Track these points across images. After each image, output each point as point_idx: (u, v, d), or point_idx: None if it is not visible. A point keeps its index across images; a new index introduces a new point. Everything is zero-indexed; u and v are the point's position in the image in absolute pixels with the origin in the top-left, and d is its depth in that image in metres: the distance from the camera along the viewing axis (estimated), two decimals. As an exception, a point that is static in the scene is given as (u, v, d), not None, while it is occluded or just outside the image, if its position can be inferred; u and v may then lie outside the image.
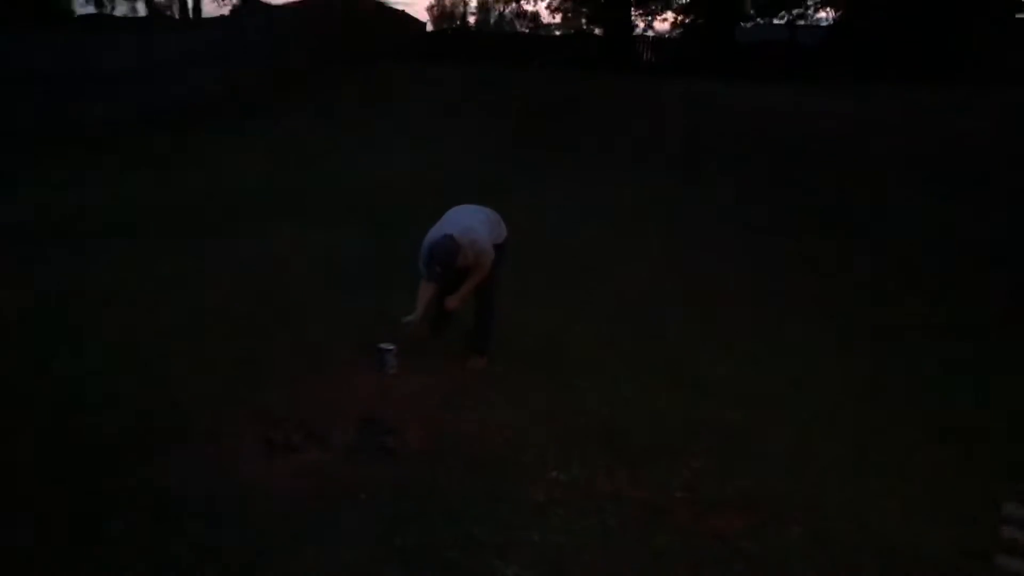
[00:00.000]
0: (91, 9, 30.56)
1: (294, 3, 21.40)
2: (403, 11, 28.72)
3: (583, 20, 30.32)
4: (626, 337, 5.66)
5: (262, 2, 28.79)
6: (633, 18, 26.46)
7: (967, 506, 3.69)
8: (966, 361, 5.45)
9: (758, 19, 26.83)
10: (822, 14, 27.06)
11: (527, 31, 31.23)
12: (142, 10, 29.48)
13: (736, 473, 3.88)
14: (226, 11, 28.74)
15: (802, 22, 26.71)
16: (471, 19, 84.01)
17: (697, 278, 7.13)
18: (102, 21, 26.54)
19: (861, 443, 4.26)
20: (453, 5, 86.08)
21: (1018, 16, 23.03)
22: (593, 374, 5.00)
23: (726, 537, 3.39)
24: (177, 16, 27.56)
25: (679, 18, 27.01)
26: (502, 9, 34.63)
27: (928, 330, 5.99)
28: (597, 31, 28.39)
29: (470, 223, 4.86)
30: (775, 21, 27.07)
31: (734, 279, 7.12)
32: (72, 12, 28.61)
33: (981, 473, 3.98)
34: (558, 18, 32.98)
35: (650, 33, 28.48)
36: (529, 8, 30.06)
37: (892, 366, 5.32)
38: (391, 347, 4.89)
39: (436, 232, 4.81)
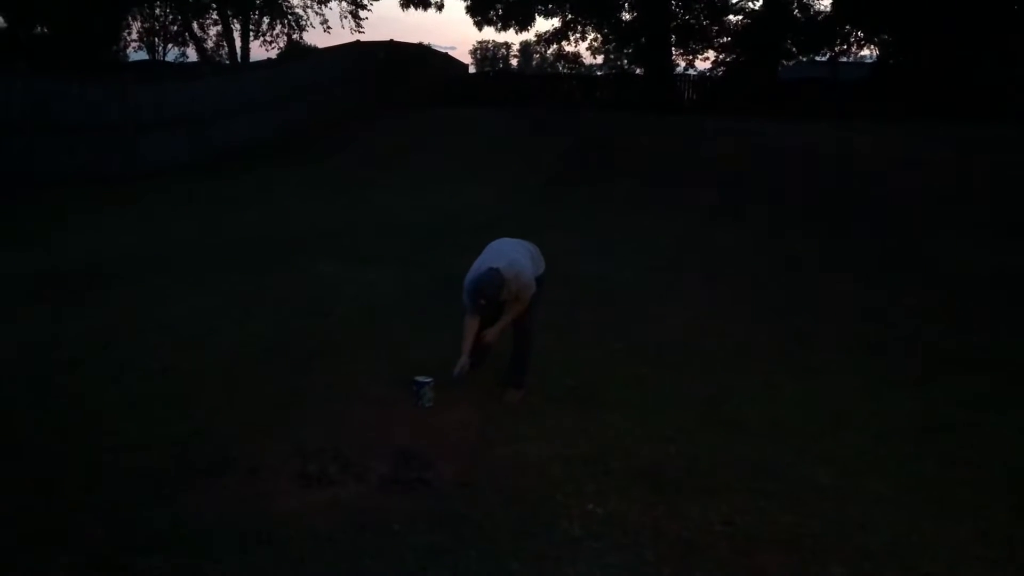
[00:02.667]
0: (143, 55, 31.55)
1: (340, 46, 21.89)
2: (447, 53, 29.19)
3: (624, 60, 30.47)
4: (664, 374, 5.59)
5: (308, 45, 29.57)
6: (674, 57, 26.58)
7: (1022, 550, 3.56)
8: (1018, 400, 5.29)
9: (800, 57, 26.76)
10: (865, 51, 26.94)
11: (569, 72, 31.49)
12: (192, 55, 30.28)
13: (776, 510, 3.79)
14: (273, 54, 29.49)
15: (845, 59, 26.58)
16: (513, 61, 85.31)
17: (737, 316, 7.05)
18: (153, 67, 27.39)
19: (907, 482, 4.13)
20: (495, 47, 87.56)
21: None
22: (630, 410, 4.94)
23: (766, 574, 3.30)
24: (227, 61, 28.31)
25: (720, 56, 27.04)
26: (544, 51, 35.01)
27: (975, 370, 5.83)
28: (639, 71, 28.55)
29: (514, 256, 4.86)
30: (817, 59, 26.99)
31: (774, 317, 7.02)
32: (125, 58, 29.59)
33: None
34: (599, 59, 33.20)
35: (691, 72, 28.52)
36: (570, 49, 30.17)
37: (938, 405, 5.17)
38: (427, 380, 4.90)
39: (480, 265, 4.82)
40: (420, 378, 4.92)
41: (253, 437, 4.45)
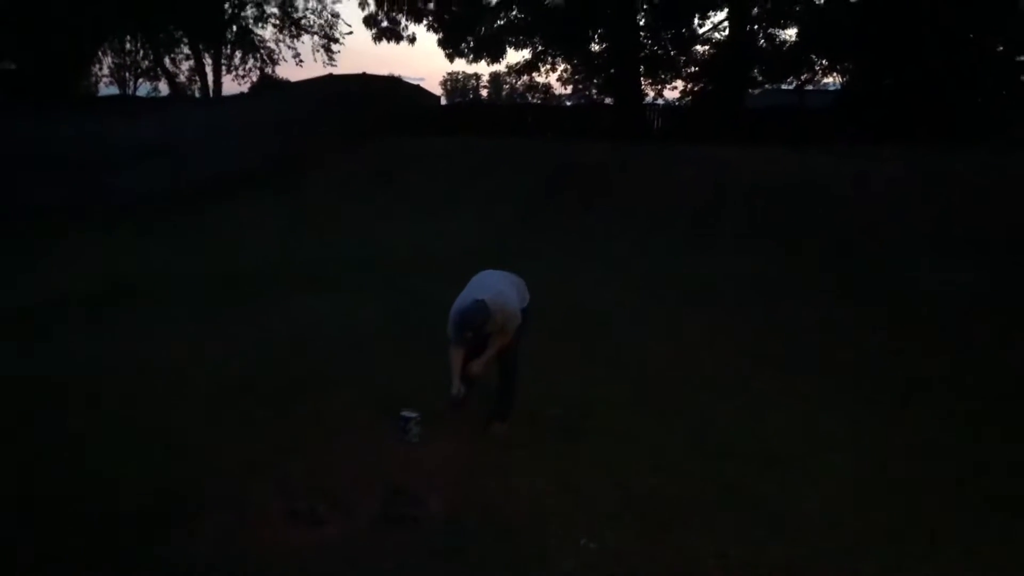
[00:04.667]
0: (114, 90, 31.39)
1: (312, 79, 21.93)
2: (419, 85, 29.34)
3: (594, 90, 30.77)
4: (648, 403, 5.61)
5: (280, 79, 29.59)
6: (643, 87, 26.88)
7: (1012, 574, 3.60)
8: (995, 422, 5.37)
9: (766, 85, 27.18)
10: (829, 79, 27.41)
11: (539, 102, 31.72)
12: (164, 89, 30.17)
13: (768, 539, 3.80)
14: (245, 88, 29.45)
15: (810, 87, 27.04)
16: (483, 92, 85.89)
17: (716, 343, 7.10)
18: (125, 101, 27.23)
19: (893, 507, 4.17)
20: (465, 79, 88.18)
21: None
22: (617, 440, 4.95)
23: (761, 605, 3.32)
24: (198, 95, 28.24)
25: (688, 86, 27.38)
26: (514, 82, 35.30)
27: (951, 392, 5.91)
28: (608, 100, 28.82)
29: (500, 288, 4.88)
30: (783, 87, 27.42)
31: (756, 344, 7.08)
32: (95, 93, 29.42)
33: None
34: (569, 89, 33.48)
35: (660, 101, 28.79)
36: (541, 80, 30.38)
37: (918, 429, 5.24)
38: (414, 415, 4.88)
39: (466, 297, 4.82)
40: (406, 412, 4.90)
41: (239, 474, 4.41)
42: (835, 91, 27.49)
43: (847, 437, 5.08)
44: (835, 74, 26.58)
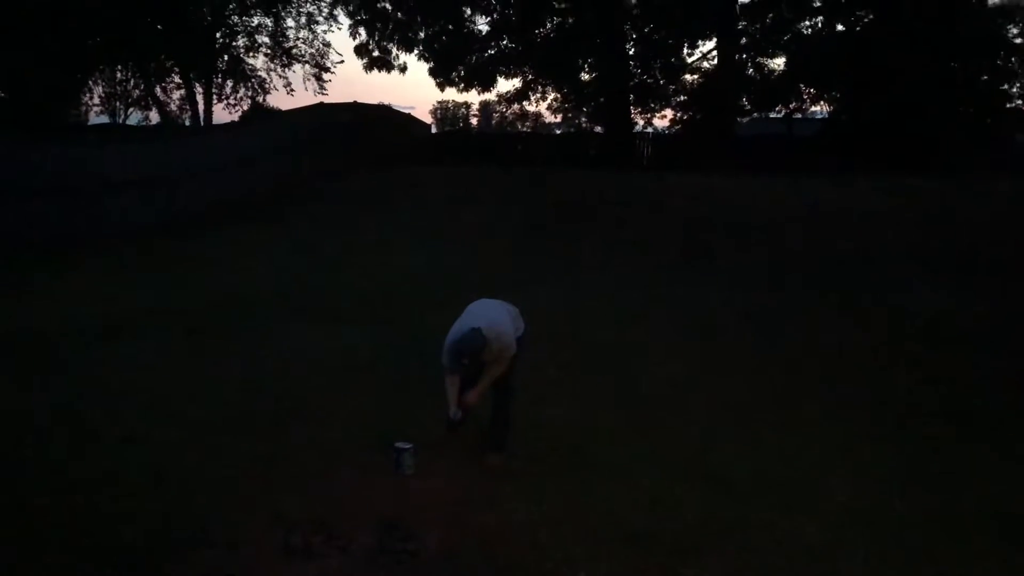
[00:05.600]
0: (104, 119, 31.41)
1: (304, 108, 22.00)
2: (409, 114, 29.51)
3: (584, 119, 31.04)
4: (645, 432, 5.56)
5: (271, 107, 29.69)
6: (633, 116, 27.13)
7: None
8: (994, 446, 5.37)
9: (755, 113, 27.46)
10: (816, 108, 27.72)
11: (528, 130, 31.97)
12: (155, 118, 30.15)
13: (769, 569, 3.76)
14: (236, 117, 29.50)
15: (798, 115, 27.34)
16: (473, 120, 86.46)
17: (711, 371, 7.07)
18: (115, 130, 27.22)
19: (894, 535, 4.14)
20: (455, 107, 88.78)
21: (1009, 106, 23.63)
22: (614, 470, 4.90)
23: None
24: (188, 123, 28.29)
25: (678, 114, 27.64)
26: (504, 110, 35.48)
27: (944, 419, 5.90)
28: (598, 129, 29.06)
29: (495, 316, 4.87)
30: (772, 115, 27.71)
31: (749, 370, 7.07)
32: (85, 122, 29.43)
33: None
34: (559, 118, 33.77)
35: (649, 130, 29.03)
36: (531, 109, 30.69)
37: (915, 455, 5.21)
38: (408, 446, 4.82)
39: (462, 325, 4.80)
40: (400, 444, 4.84)
41: (231, 508, 4.34)
42: (822, 119, 27.81)
43: (846, 463, 5.05)
44: (822, 102, 26.91)
